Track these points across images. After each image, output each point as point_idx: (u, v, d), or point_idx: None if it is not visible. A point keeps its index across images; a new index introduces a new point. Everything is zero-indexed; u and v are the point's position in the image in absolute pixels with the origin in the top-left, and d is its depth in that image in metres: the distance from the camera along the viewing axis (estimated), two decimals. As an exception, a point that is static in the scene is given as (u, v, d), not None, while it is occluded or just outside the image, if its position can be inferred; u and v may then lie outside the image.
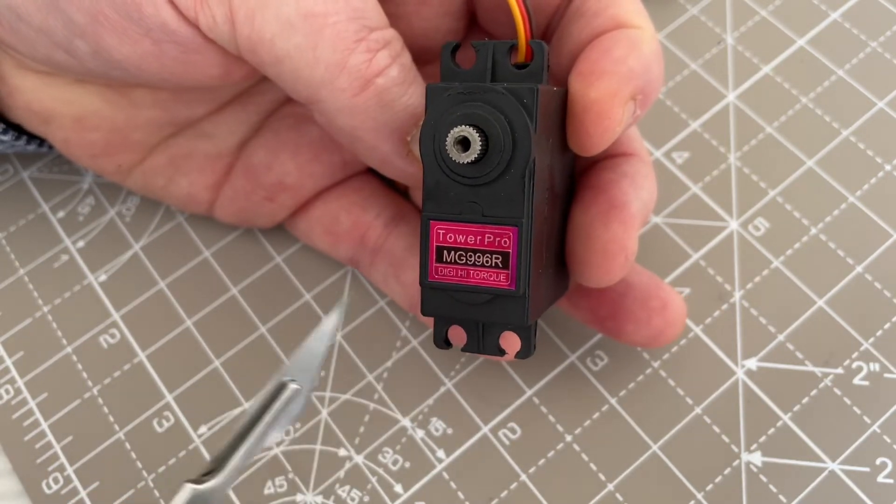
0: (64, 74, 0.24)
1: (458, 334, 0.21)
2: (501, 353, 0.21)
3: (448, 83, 0.20)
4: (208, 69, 0.22)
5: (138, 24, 0.21)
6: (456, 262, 0.20)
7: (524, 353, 0.21)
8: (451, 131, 0.19)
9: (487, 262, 0.20)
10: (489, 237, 0.19)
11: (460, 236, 0.20)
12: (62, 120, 0.25)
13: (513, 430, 0.25)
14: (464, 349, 0.21)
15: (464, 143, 0.19)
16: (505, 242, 0.19)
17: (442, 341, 0.21)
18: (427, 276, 0.20)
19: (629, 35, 0.21)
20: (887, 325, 0.26)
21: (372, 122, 0.21)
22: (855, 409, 0.25)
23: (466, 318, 0.20)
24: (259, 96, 0.26)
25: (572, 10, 0.22)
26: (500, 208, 0.19)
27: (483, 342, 0.21)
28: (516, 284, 0.19)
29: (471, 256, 0.20)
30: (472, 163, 0.19)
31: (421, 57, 0.23)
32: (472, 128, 0.19)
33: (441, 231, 0.20)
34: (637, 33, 0.21)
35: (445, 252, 0.20)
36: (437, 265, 0.20)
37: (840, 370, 0.25)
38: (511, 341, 0.21)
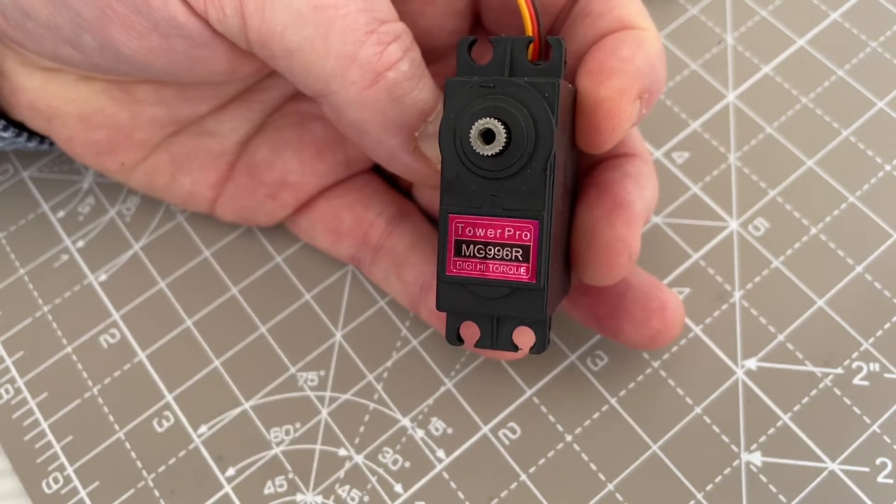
0: (69, 71, 0.24)
1: (469, 331, 0.21)
2: (515, 348, 0.21)
3: (466, 77, 0.20)
4: (215, 64, 0.22)
5: (146, 17, 0.21)
6: (475, 256, 0.20)
7: (539, 348, 0.20)
8: (476, 123, 0.19)
9: (507, 255, 0.20)
10: (509, 230, 0.20)
11: (479, 230, 0.20)
12: (66, 118, 0.25)
13: (513, 430, 0.25)
14: (477, 345, 0.21)
15: (487, 136, 0.19)
16: (526, 236, 0.19)
17: (454, 337, 0.21)
18: (445, 270, 0.20)
19: (635, 35, 0.21)
20: (887, 325, 0.26)
21: (381, 117, 0.21)
22: (855, 409, 0.25)
23: (483, 312, 0.20)
24: (262, 94, 0.26)
25: (577, 11, 0.22)
26: (521, 201, 0.19)
27: (497, 338, 0.21)
28: (537, 277, 0.19)
29: (490, 250, 0.20)
30: (495, 155, 0.19)
31: (425, 56, 0.23)
32: (496, 120, 0.19)
33: (460, 225, 0.20)
34: (641, 34, 0.21)
35: (464, 246, 0.20)
36: (456, 259, 0.20)
37: (840, 370, 0.25)
38: (524, 337, 0.21)
